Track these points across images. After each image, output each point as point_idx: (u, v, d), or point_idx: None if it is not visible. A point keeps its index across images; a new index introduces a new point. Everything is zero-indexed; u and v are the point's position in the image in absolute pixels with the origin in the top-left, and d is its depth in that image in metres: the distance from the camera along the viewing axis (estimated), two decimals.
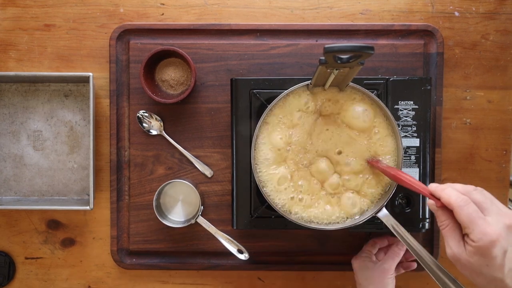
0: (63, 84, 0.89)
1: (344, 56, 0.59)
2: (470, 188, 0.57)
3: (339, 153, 0.74)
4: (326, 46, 0.56)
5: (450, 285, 0.59)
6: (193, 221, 0.85)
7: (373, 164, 0.72)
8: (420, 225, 0.80)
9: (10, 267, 0.89)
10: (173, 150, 0.88)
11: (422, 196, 0.80)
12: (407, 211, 0.80)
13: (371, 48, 0.56)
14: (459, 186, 0.58)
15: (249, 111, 0.80)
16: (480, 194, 0.56)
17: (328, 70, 0.64)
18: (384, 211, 0.71)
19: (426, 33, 0.87)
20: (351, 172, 0.73)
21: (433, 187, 0.59)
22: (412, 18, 0.88)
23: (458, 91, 0.88)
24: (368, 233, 0.87)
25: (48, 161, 0.89)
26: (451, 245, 0.56)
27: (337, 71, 0.63)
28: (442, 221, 0.57)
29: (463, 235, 0.56)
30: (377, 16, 0.88)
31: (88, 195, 0.88)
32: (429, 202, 0.59)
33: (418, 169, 0.80)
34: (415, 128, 0.80)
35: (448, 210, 0.57)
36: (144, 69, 0.83)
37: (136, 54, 0.87)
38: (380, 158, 0.73)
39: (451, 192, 0.56)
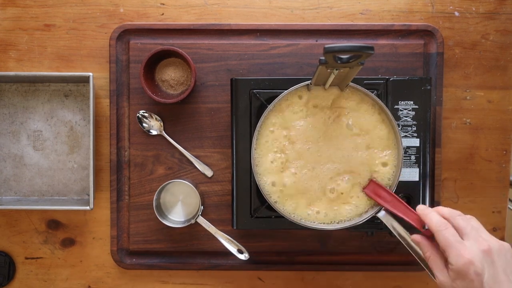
0: (63, 84, 0.89)
1: (344, 56, 0.59)
2: (455, 213, 0.59)
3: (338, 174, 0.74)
4: (326, 46, 0.56)
5: None
6: (193, 221, 0.85)
7: (369, 195, 0.72)
8: None
9: (10, 267, 0.89)
10: (173, 150, 0.88)
11: (422, 196, 0.80)
12: None
13: (371, 48, 0.56)
14: (446, 210, 0.59)
15: (249, 111, 0.80)
16: (464, 220, 0.58)
17: (328, 70, 0.64)
18: (384, 211, 0.71)
19: (426, 33, 0.87)
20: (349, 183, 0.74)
21: (420, 209, 0.61)
22: (412, 18, 0.88)
23: (458, 91, 0.88)
24: (368, 233, 0.87)
25: (48, 161, 0.89)
26: (437, 273, 0.57)
27: (337, 71, 0.63)
28: (426, 252, 0.59)
29: (446, 262, 0.57)
30: (377, 16, 0.88)
31: (88, 195, 0.88)
32: (412, 237, 0.62)
33: (418, 169, 0.80)
34: (415, 128, 0.80)
35: (431, 241, 0.59)
36: (144, 69, 0.83)
37: (136, 54, 0.87)
38: (377, 180, 0.72)
39: (433, 216, 0.58)
